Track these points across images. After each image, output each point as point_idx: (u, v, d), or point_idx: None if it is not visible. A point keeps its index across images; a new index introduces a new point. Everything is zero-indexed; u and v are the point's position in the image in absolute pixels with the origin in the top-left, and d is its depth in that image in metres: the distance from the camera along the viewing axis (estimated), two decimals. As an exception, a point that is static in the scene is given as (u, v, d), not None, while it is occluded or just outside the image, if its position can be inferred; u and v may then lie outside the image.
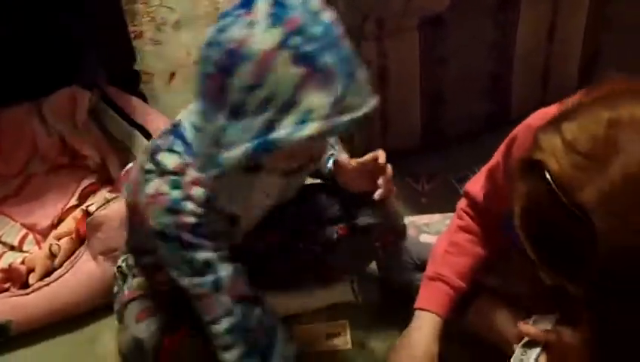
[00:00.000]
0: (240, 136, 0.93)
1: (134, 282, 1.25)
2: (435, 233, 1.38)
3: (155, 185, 1.02)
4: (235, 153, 0.94)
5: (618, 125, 0.72)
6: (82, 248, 1.51)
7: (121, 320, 1.26)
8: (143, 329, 1.17)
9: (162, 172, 1.02)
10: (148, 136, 1.66)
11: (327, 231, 1.34)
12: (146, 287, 1.23)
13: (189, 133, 1.04)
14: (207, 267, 1.03)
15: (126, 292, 1.24)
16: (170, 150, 1.04)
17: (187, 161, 1.03)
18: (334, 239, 1.34)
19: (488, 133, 1.67)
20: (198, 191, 1.02)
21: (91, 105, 1.74)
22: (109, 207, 1.54)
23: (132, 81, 1.94)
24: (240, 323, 1.05)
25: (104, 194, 1.66)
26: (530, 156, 0.78)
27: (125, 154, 1.69)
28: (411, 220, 1.45)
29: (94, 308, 1.47)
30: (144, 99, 1.88)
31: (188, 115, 1.06)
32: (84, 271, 1.48)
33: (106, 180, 1.72)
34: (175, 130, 1.07)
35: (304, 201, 1.35)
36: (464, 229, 1.27)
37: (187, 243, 1.01)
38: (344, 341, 1.40)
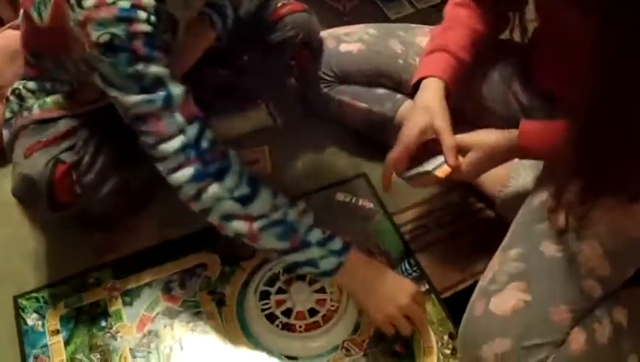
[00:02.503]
0: None
1: (49, 100, 1.14)
2: (355, 41, 1.27)
3: None
4: None
5: None
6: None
7: (11, 152, 1.15)
8: (32, 163, 1.07)
9: None
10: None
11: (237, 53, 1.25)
12: (65, 107, 1.14)
13: None
14: (158, 83, 0.94)
15: (26, 113, 1.14)
16: None
17: None
18: (245, 61, 1.25)
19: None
20: None
21: None
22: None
23: None
24: (192, 143, 0.97)
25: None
26: None
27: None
28: (329, 32, 1.33)
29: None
30: None
31: None
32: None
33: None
34: None
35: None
36: (461, 5, 1.16)
37: (140, 55, 0.92)
38: (263, 166, 1.33)
